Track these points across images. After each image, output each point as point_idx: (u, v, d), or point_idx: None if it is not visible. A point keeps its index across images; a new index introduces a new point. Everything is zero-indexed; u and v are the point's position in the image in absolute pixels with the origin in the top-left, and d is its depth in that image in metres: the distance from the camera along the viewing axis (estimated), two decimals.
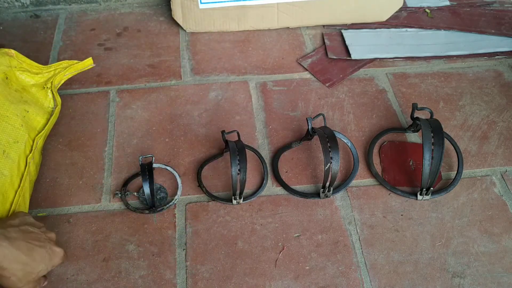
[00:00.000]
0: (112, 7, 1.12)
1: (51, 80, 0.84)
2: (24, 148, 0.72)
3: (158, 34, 1.06)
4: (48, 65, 0.85)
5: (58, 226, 0.73)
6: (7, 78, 0.76)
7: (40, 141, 0.77)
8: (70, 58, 0.99)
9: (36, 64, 0.83)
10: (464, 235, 0.72)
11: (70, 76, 0.89)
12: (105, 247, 0.71)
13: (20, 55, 0.81)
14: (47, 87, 0.82)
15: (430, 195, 0.75)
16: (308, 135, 0.79)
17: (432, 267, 0.69)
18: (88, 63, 0.92)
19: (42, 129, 0.77)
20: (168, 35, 1.05)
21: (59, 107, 0.83)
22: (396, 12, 1.06)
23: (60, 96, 0.92)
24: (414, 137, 0.85)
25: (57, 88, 0.86)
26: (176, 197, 0.76)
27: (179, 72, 0.97)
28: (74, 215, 0.74)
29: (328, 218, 0.74)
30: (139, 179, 0.78)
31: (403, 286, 0.67)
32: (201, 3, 1.00)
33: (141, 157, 0.75)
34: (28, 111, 0.75)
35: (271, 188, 0.78)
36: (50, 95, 0.82)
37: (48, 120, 0.79)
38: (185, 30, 1.05)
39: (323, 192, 0.75)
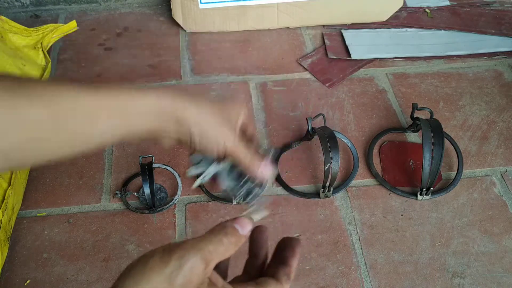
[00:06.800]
0: (112, 7, 1.12)
1: (40, 41, 0.89)
2: None
3: (158, 34, 1.06)
4: (36, 28, 0.89)
5: (58, 226, 0.73)
6: (2, 37, 0.82)
7: None
8: (70, 58, 0.99)
9: (24, 27, 0.87)
10: (464, 235, 0.72)
11: (57, 39, 0.93)
12: (105, 247, 0.71)
13: (10, 20, 0.86)
14: (38, 47, 0.88)
15: (430, 195, 0.75)
16: (308, 135, 0.79)
17: (432, 267, 0.69)
18: (72, 25, 0.94)
19: None
20: (168, 35, 1.05)
21: (50, 64, 0.89)
22: (396, 12, 1.06)
23: None
24: (414, 137, 0.85)
25: (46, 49, 0.91)
26: (176, 197, 0.76)
27: (179, 72, 0.97)
28: (74, 215, 0.74)
29: (328, 218, 0.74)
30: (139, 179, 0.78)
31: (403, 286, 0.67)
32: (201, 3, 1.00)
33: (141, 157, 0.75)
34: (24, 65, 0.82)
35: (271, 188, 0.78)
36: (41, 54, 0.88)
37: (42, 75, 0.86)
38: (185, 30, 1.05)
39: (323, 192, 0.75)
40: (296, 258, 0.41)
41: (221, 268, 0.42)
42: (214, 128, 0.43)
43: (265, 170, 0.46)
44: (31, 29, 0.88)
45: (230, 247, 0.36)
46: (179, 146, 0.83)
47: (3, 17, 0.85)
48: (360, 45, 1.01)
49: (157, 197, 0.76)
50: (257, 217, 0.42)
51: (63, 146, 0.38)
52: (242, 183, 0.47)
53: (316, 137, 0.79)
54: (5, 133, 0.34)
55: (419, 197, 0.76)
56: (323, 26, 1.07)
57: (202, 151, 0.44)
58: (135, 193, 0.76)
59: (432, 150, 0.72)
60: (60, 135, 0.37)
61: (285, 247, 0.41)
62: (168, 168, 0.79)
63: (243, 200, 0.46)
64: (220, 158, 0.46)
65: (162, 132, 0.42)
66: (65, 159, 0.40)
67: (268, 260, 0.42)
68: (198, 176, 0.47)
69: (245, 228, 0.38)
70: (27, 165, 0.39)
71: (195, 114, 0.42)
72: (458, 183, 0.78)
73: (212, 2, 1.00)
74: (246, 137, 0.49)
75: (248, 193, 0.47)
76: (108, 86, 0.40)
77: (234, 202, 0.74)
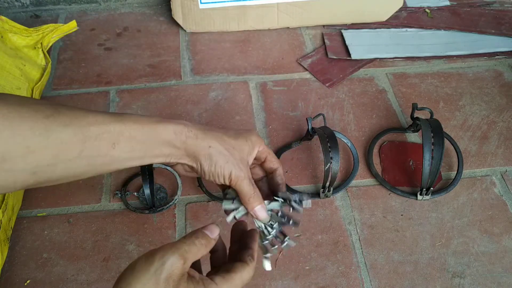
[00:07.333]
0: (112, 7, 1.12)
1: (40, 41, 0.89)
2: (26, 95, 0.78)
3: (158, 34, 1.06)
4: (36, 28, 0.89)
5: (58, 226, 0.73)
6: (2, 37, 0.82)
7: (37, 92, 0.83)
8: (70, 58, 1.00)
9: (24, 27, 0.87)
10: (464, 235, 0.72)
11: (57, 39, 0.92)
12: (105, 247, 0.71)
13: (10, 20, 0.85)
14: (38, 47, 0.88)
15: (430, 195, 0.75)
16: (308, 135, 0.79)
17: (432, 267, 0.69)
18: (72, 25, 0.93)
19: (38, 82, 0.84)
20: (168, 35, 1.05)
21: (50, 64, 0.89)
22: (396, 12, 1.06)
23: (60, 96, 0.92)
24: (414, 137, 0.85)
25: (46, 49, 0.91)
26: (176, 197, 0.76)
27: (179, 72, 0.97)
28: (74, 215, 0.74)
29: (328, 218, 0.74)
30: (139, 179, 0.78)
31: (403, 286, 0.67)
32: (201, 3, 1.00)
33: None
34: (24, 65, 0.82)
35: None
36: (41, 54, 0.88)
37: (42, 75, 0.85)
38: (185, 30, 1.05)
39: (323, 192, 0.75)
40: (256, 242, 0.48)
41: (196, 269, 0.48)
42: (223, 162, 0.48)
43: (259, 212, 0.51)
44: (31, 29, 0.88)
45: (202, 248, 0.42)
46: None
47: (3, 17, 0.84)
48: (360, 45, 1.01)
49: (157, 197, 0.76)
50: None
51: (86, 167, 0.43)
52: (272, 225, 0.52)
53: (316, 137, 0.79)
54: (37, 151, 0.40)
55: (419, 197, 0.76)
56: (323, 26, 1.07)
57: (211, 180, 0.49)
58: (135, 193, 0.76)
59: (432, 150, 0.72)
60: (85, 158, 0.42)
61: (245, 235, 0.49)
62: (168, 168, 0.79)
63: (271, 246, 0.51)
64: None
65: (176, 161, 0.48)
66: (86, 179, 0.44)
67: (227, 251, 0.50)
68: (232, 210, 0.53)
69: (213, 233, 0.45)
70: (53, 183, 0.44)
71: (206, 149, 0.47)
72: (458, 183, 0.78)
73: (212, 2, 1.00)
74: (267, 169, 0.55)
75: (277, 236, 0.51)
76: (131, 115, 0.45)
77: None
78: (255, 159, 0.54)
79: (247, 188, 0.49)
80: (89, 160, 0.43)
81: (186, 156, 0.48)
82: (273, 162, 0.54)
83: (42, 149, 0.40)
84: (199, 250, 0.42)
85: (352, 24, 1.06)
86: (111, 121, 0.43)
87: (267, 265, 0.51)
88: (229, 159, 0.48)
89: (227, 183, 0.49)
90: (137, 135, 0.44)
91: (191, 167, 0.49)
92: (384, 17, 1.06)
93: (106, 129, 0.43)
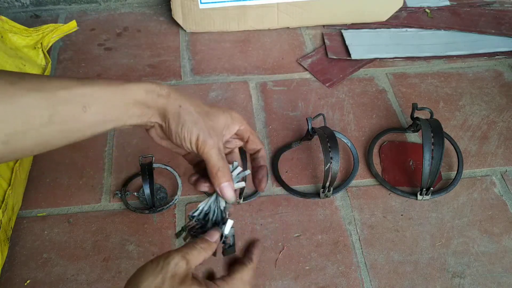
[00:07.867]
0: (112, 7, 1.12)
1: (40, 41, 0.89)
2: None
3: (158, 34, 1.06)
4: (36, 28, 0.89)
5: (58, 226, 0.73)
6: (2, 37, 0.82)
7: None
8: (70, 58, 1.00)
9: (24, 27, 0.87)
10: (464, 235, 0.72)
11: (57, 39, 0.93)
12: (105, 247, 0.71)
13: (10, 20, 0.85)
14: (38, 47, 0.88)
15: (430, 195, 0.75)
16: (308, 135, 0.79)
17: (432, 267, 0.69)
18: (72, 25, 0.92)
19: None
20: (168, 35, 1.05)
21: (50, 64, 0.88)
22: (396, 12, 1.06)
23: None
24: (414, 137, 0.85)
25: (46, 49, 0.90)
26: (176, 197, 0.76)
27: (179, 72, 0.97)
28: (74, 215, 0.74)
29: (328, 218, 0.74)
30: (139, 179, 0.78)
31: (403, 286, 0.67)
32: (201, 3, 1.00)
33: (141, 157, 0.75)
34: (24, 65, 0.82)
35: (271, 188, 0.78)
36: (41, 54, 0.88)
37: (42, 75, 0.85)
38: (185, 30, 1.05)
39: (323, 192, 0.75)
40: (256, 247, 0.50)
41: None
42: (190, 124, 0.46)
43: (226, 189, 0.47)
44: (31, 29, 0.88)
45: (202, 251, 0.45)
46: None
47: (3, 17, 0.84)
48: (360, 45, 1.01)
49: (157, 197, 0.76)
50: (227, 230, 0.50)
51: (59, 134, 0.43)
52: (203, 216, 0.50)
53: (316, 137, 0.79)
54: (5, 119, 0.39)
55: (419, 197, 0.76)
56: (323, 26, 1.07)
57: (178, 144, 0.47)
58: (135, 193, 0.76)
59: (432, 150, 0.72)
60: (56, 123, 0.41)
61: (250, 243, 0.51)
62: (168, 168, 0.79)
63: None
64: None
65: (147, 120, 0.47)
66: (62, 147, 0.44)
67: None
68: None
69: (213, 237, 0.47)
70: (28, 154, 0.44)
71: (175, 107, 0.46)
72: (458, 183, 0.78)
73: (212, 2, 1.00)
74: (250, 150, 0.54)
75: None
76: (102, 79, 0.46)
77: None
78: (238, 138, 0.53)
79: (215, 158, 0.46)
80: (61, 126, 0.42)
81: (157, 114, 0.46)
82: (255, 143, 0.53)
83: (10, 116, 0.39)
84: (200, 253, 0.45)
85: (352, 24, 1.06)
86: (80, 84, 0.42)
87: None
88: (199, 122, 0.46)
89: (194, 149, 0.46)
90: (108, 97, 0.43)
91: (161, 127, 0.47)
92: (384, 17, 1.06)
93: (75, 93, 0.42)
